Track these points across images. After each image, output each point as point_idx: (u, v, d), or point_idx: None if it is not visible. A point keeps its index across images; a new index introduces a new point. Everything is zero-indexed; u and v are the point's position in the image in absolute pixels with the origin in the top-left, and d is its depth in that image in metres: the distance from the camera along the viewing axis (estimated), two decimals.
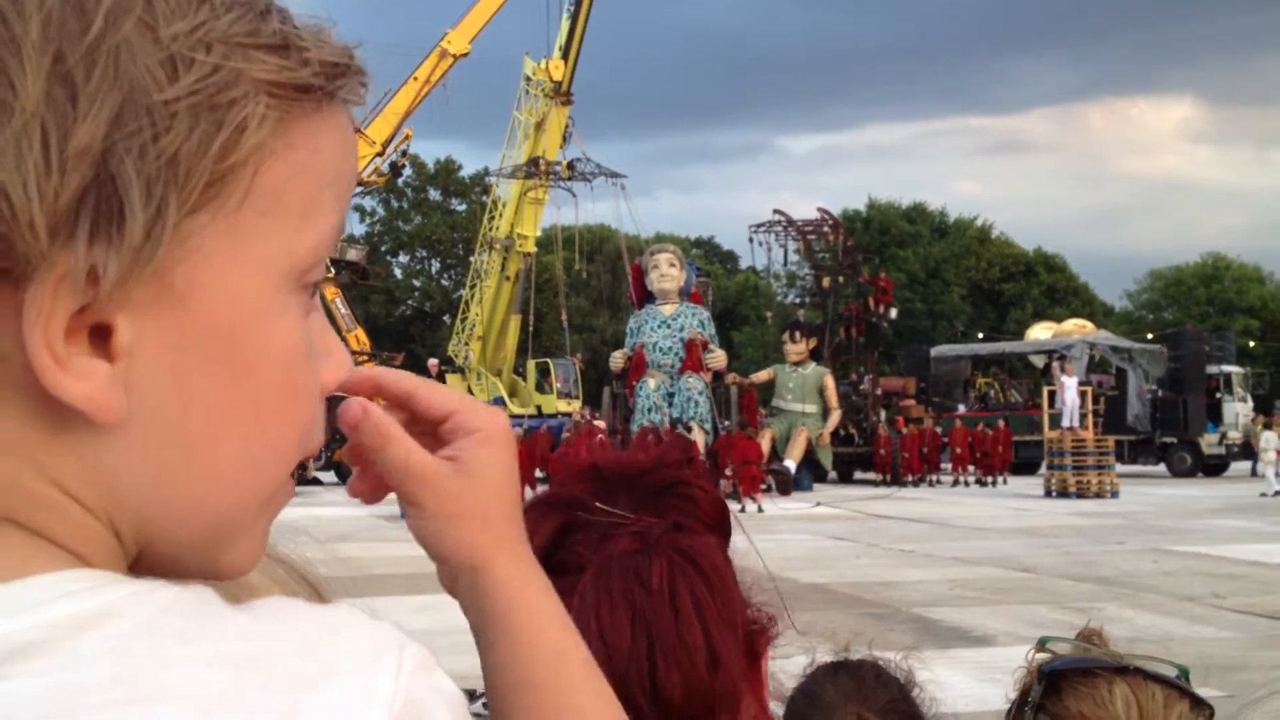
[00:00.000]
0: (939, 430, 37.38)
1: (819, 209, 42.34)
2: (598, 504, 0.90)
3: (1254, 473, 35.47)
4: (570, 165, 41.63)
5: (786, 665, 1.64)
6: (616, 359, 33.78)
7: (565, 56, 42.86)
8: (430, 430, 0.74)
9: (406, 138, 43.34)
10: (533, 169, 41.97)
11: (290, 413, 0.57)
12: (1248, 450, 37.16)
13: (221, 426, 0.54)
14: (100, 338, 0.51)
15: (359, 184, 35.70)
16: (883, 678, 1.61)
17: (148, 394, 0.51)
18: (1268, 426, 33.08)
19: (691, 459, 0.95)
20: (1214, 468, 38.51)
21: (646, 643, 0.85)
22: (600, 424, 29.36)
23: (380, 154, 42.35)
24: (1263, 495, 28.45)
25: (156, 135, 0.50)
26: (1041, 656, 1.44)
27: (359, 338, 43.26)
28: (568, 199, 42.74)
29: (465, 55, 42.71)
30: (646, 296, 33.96)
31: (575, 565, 0.90)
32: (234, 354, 0.54)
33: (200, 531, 0.56)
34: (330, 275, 41.94)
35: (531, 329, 44.87)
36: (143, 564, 0.55)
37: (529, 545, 0.76)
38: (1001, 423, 37.07)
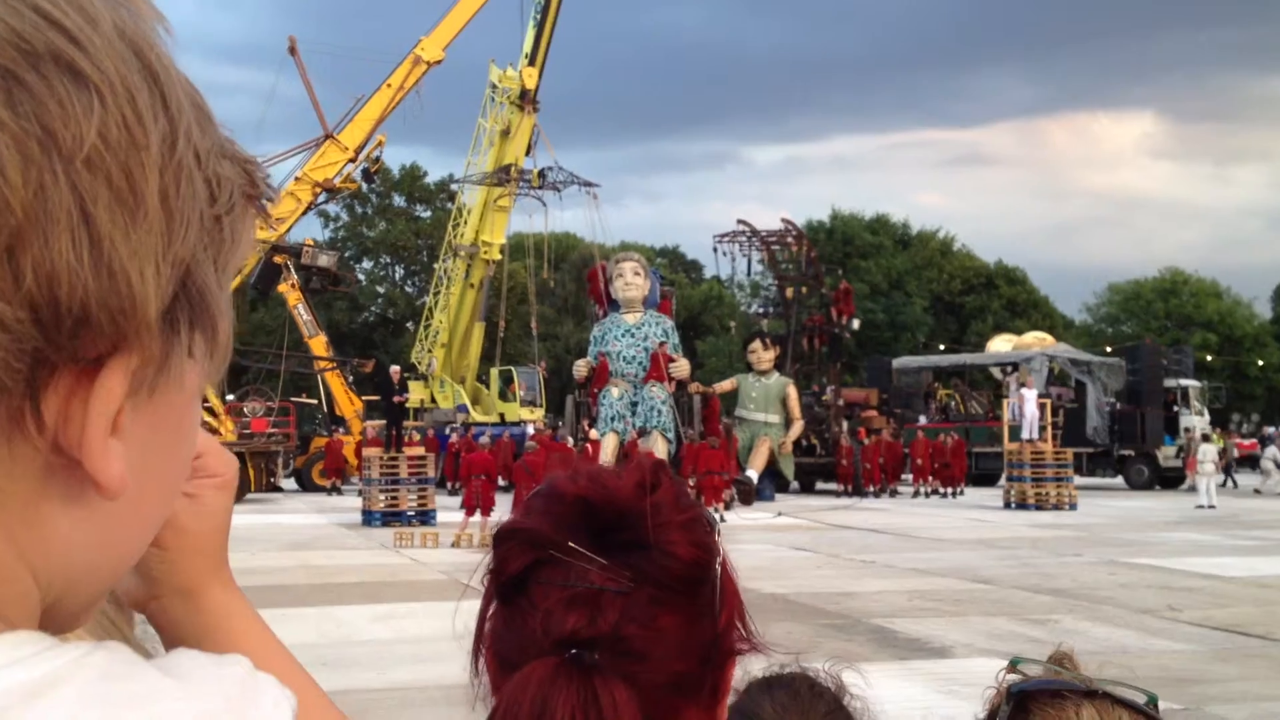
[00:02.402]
0: (900, 441, 37.57)
1: (783, 219, 42.51)
2: (571, 544, 0.89)
3: (1187, 484, 36.13)
4: (541, 174, 41.54)
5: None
6: (580, 368, 33.76)
7: (531, 64, 42.84)
8: None
9: (379, 144, 43.21)
10: (503, 176, 41.87)
11: (181, 483, 0.63)
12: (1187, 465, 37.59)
13: (153, 496, 0.59)
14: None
15: (331, 190, 35.40)
16: (816, 689, 1.61)
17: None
18: (1205, 439, 33.50)
19: (681, 501, 0.94)
20: (1171, 480, 38.91)
21: None
22: (566, 438, 29.28)
23: (352, 160, 42.19)
24: (1199, 508, 28.76)
25: (215, 249, 0.55)
26: (1011, 677, 1.45)
27: (322, 344, 42.98)
28: (534, 206, 42.72)
29: (439, 62, 42.63)
30: (610, 304, 33.97)
31: (527, 604, 0.89)
32: (179, 432, 0.59)
33: (103, 589, 0.59)
34: (292, 281, 41.73)
35: (501, 336, 44.76)
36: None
37: (230, 570, 0.88)
38: (954, 435, 37.30)
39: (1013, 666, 1.46)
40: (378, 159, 43.81)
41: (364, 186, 49.71)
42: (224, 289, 0.57)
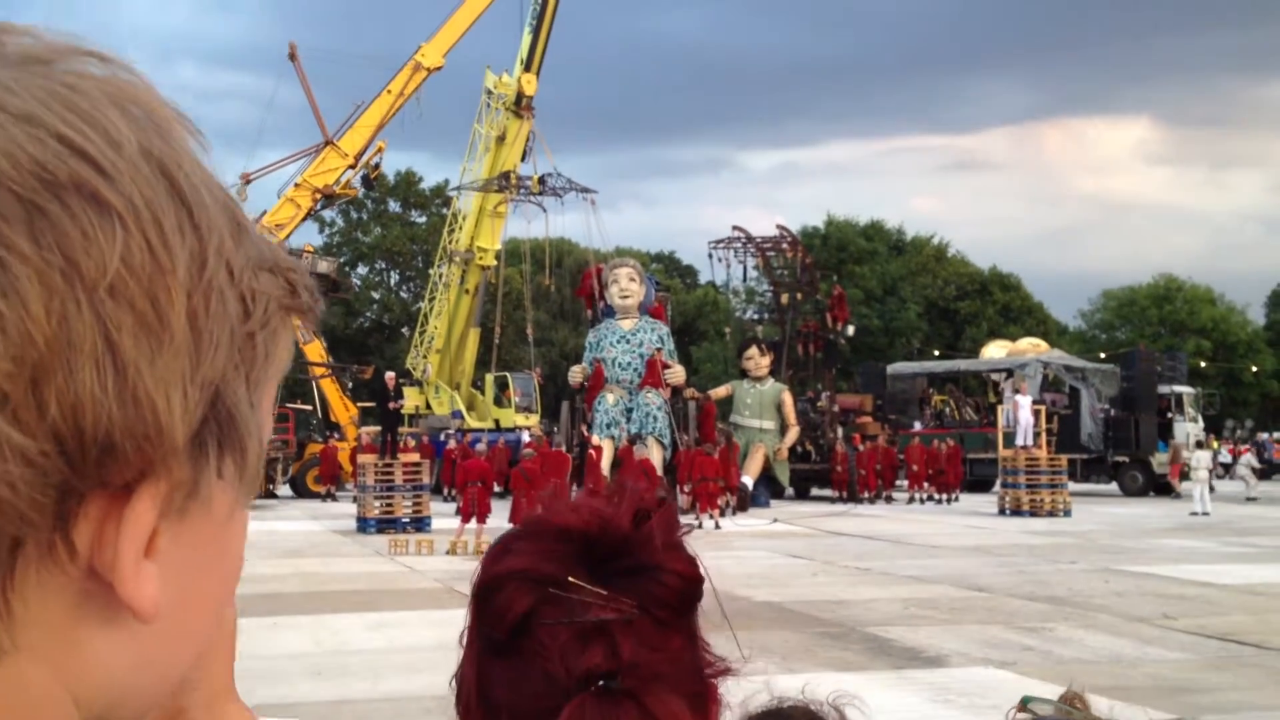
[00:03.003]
0: (895, 447, 37.60)
1: (778, 225, 42.58)
2: (571, 579, 0.87)
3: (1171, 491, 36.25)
4: (541, 180, 41.51)
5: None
6: (575, 374, 33.76)
7: (527, 70, 42.85)
8: None
9: (379, 150, 43.27)
10: (503, 183, 41.84)
11: (225, 601, 0.62)
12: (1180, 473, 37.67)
13: (196, 617, 0.58)
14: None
15: (331, 196, 35.40)
16: None
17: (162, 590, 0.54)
18: (1200, 446, 33.56)
19: (671, 524, 0.93)
20: (1165, 487, 38.95)
21: None
22: (560, 444, 29.24)
23: (352, 166, 42.24)
24: (1193, 515, 28.81)
25: (247, 366, 0.54)
26: (1022, 717, 1.44)
27: (317, 350, 42.96)
28: (529, 212, 42.59)
29: (439, 69, 42.71)
30: (605, 309, 33.99)
31: (534, 648, 0.87)
32: (222, 554, 0.58)
33: (145, 708, 0.58)
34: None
35: (497, 342, 44.72)
36: None
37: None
38: (950, 441, 37.34)
39: (1024, 705, 1.45)
40: (377, 165, 43.88)
41: (363, 193, 49.75)
42: (256, 407, 0.55)
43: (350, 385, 43.89)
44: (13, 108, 0.48)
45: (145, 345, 0.49)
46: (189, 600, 0.56)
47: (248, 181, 42.74)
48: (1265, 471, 43.26)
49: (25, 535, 0.48)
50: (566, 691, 0.84)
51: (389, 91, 42.33)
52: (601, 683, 0.83)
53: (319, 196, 42.14)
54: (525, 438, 33.41)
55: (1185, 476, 35.54)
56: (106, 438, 0.48)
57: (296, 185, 41.76)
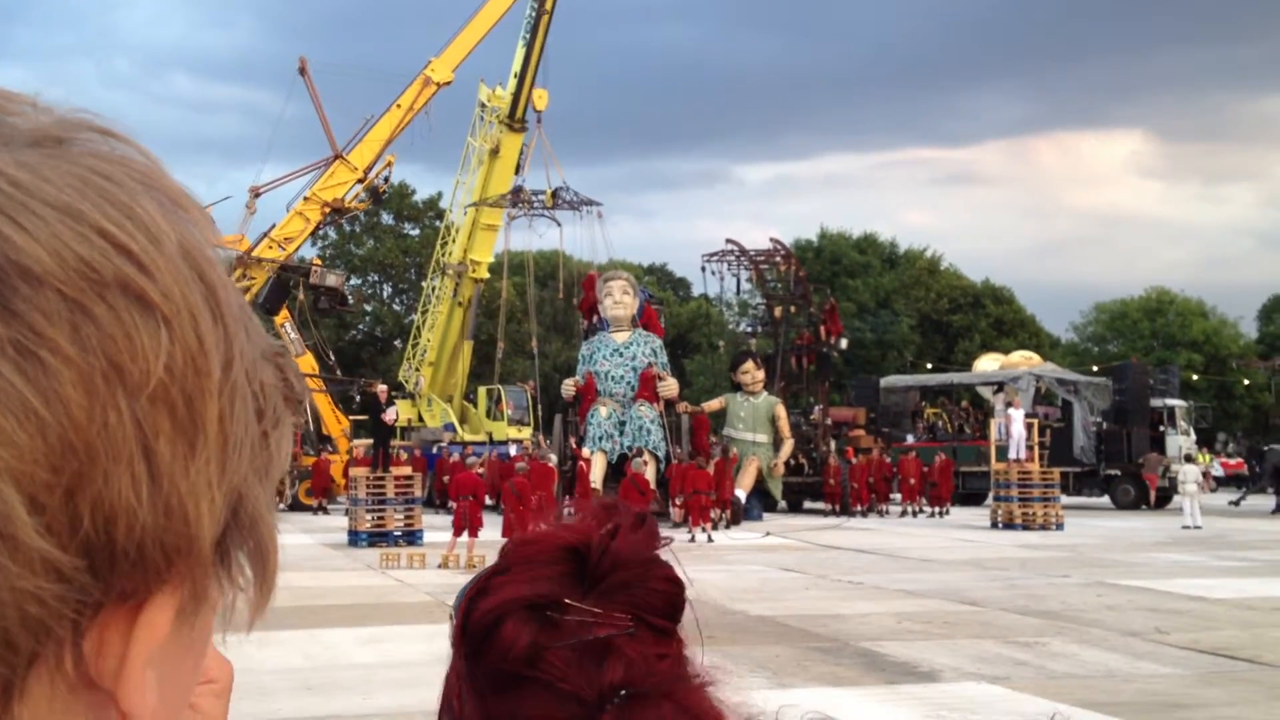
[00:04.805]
0: (889, 460, 37.60)
1: (771, 239, 42.64)
2: (567, 601, 0.86)
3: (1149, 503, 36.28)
4: (554, 193, 41.52)
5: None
6: (568, 387, 33.72)
7: (520, 82, 42.89)
8: None
9: (388, 164, 43.41)
10: (515, 197, 41.85)
11: (190, 695, 0.59)
12: (1169, 486, 37.73)
13: (171, 710, 0.55)
14: None
15: (341, 210, 35.36)
16: None
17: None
18: (1189, 459, 33.58)
19: (653, 536, 0.92)
20: (1157, 500, 39.01)
21: None
22: (551, 458, 29.16)
23: (361, 180, 42.35)
24: (1185, 529, 28.83)
25: (263, 466, 0.53)
26: None
27: (309, 363, 42.93)
28: (527, 225, 42.60)
29: (449, 83, 42.83)
30: (600, 322, 33.99)
31: (542, 676, 0.86)
32: (200, 657, 0.56)
33: None
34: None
35: (500, 355, 44.75)
36: None
37: None
38: (940, 455, 37.36)
39: None
40: (387, 179, 44.05)
41: (371, 207, 49.87)
42: (270, 511, 0.54)
43: (358, 398, 43.97)
44: (50, 198, 0.46)
45: (180, 451, 0.47)
46: (169, 696, 0.53)
47: (257, 195, 42.79)
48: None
49: (44, 650, 0.46)
50: (590, 708, 0.82)
51: (398, 106, 42.47)
52: (624, 692, 0.82)
53: (328, 210, 42.25)
54: (513, 451, 33.42)
55: (1174, 490, 35.63)
56: (138, 549, 0.46)
57: (305, 199, 41.85)
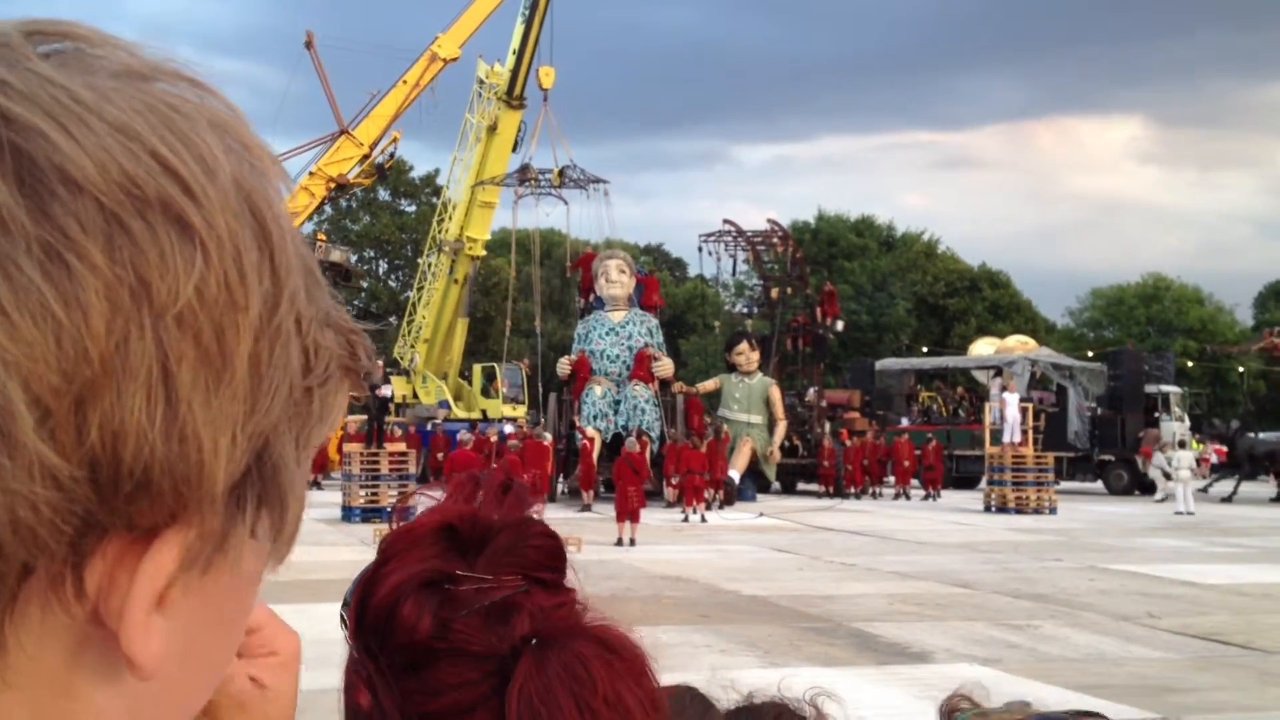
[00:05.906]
0: (883, 443, 37.62)
1: (768, 220, 42.55)
2: (459, 572, 0.85)
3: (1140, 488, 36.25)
4: (562, 172, 41.37)
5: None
6: (563, 365, 33.69)
7: (519, 59, 42.69)
8: None
9: (394, 140, 43.29)
10: (522, 175, 41.73)
11: (225, 669, 0.58)
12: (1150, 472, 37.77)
13: (194, 680, 0.54)
14: None
15: (344, 186, 35.39)
16: None
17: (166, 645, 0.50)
18: (1182, 445, 33.59)
19: (524, 498, 0.92)
20: (1150, 486, 39.06)
21: None
22: (547, 436, 29.17)
23: (367, 155, 42.25)
24: (1177, 514, 28.88)
25: (300, 422, 0.51)
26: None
27: None
28: (527, 202, 42.49)
29: (455, 60, 42.70)
30: (596, 301, 33.93)
31: (453, 648, 0.83)
32: (229, 615, 0.54)
33: None
34: None
35: (507, 335, 44.69)
36: None
37: None
38: (931, 438, 37.39)
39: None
40: (392, 154, 43.96)
41: (379, 181, 49.79)
42: (301, 467, 0.53)
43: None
44: (109, 116, 0.46)
45: (203, 381, 0.46)
46: (191, 659, 0.52)
47: None
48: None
49: (37, 563, 0.44)
50: (505, 661, 0.82)
51: (404, 82, 42.37)
52: (535, 640, 0.82)
53: (333, 185, 42.16)
54: (508, 429, 33.40)
55: (1166, 477, 35.66)
56: (144, 473, 0.45)
57: (311, 173, 41.78)
